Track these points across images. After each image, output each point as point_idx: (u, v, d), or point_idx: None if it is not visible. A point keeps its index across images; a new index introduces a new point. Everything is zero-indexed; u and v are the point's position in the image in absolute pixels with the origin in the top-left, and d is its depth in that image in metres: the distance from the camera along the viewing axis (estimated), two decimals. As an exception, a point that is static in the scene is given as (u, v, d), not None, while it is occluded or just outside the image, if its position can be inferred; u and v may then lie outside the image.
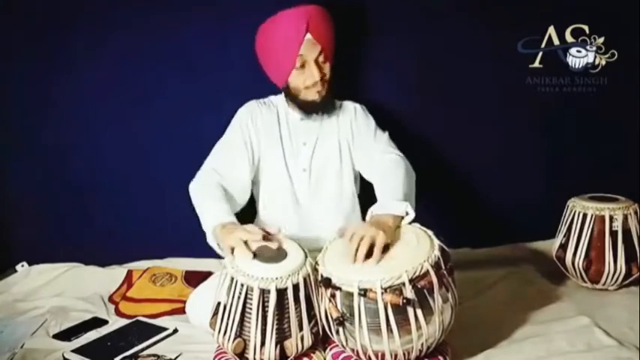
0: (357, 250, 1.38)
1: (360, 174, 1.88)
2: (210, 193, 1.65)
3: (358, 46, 2.03)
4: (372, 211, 1.52)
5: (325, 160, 1.84)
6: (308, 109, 1.80)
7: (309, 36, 1.70)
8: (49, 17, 2.05)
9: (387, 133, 1.84)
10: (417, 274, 1.32)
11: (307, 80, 1.74)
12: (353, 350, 1.42)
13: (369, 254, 1.38)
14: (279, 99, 1.87)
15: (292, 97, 1.80)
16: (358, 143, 1.84)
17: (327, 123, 1.86)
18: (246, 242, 1.44)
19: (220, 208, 1.59)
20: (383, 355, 1.37)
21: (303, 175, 1.84)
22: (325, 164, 1.84)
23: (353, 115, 1.86)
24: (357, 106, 1.89)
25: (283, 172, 1.83)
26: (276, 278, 1.37)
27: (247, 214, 1.81)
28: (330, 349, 1.51)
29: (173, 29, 2.06)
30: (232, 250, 1.45)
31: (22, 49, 2.08)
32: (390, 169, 1.68)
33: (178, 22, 2.06)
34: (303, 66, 1.73)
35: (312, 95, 1.77)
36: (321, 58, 1.74)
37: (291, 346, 1.42)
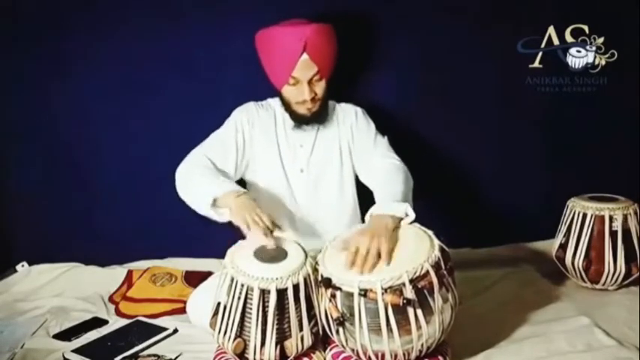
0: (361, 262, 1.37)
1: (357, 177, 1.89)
2: (207, 170, 1.68)
3: (358, 47, 2.03)
4: (372, 212, 1.52)
5: (324, 161, 1.85)
6: (298, 120, 1.81)
7: (305, 57, 1.69)
8: (50, 18, 2.05)
9: (386, 138, 1.85)
10: (417, 274, 1.32)
11: (298, 97, 1.76)
12: (353, 350, 1.42)
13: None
14: (277, 102, 1.87)
15: (285, 106, 1.82)
16: (358, 147, 1.84)
17: (327, 125, 1.86)
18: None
19: (225, 181, 1.63)
20: (383, 355, 1.37)
21: (301, 176, 1.84)
22: (324, 166, 1.85)
23: (354, 119, 1.86)
24: (359, 109, 1.89)
25: (280, 173, 1.83)
26: (277, 278, 1.37)
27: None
28: (330, 349, 1.51)
29: (173, 29, 2.07)
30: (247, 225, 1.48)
31: (22, 49, 2.08)
32: (389, 174, 1.69)
33: (178, 22, 2.06)
34: (296, 84, 1.74)
35: (302, 110, 1.79)
36: (316, 78, 1.74)
37: (291, 346, 1.42)
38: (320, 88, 1.76)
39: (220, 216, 1.59)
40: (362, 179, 1.85)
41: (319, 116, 1.81)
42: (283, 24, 1.75)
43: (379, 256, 1.37)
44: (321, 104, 1.79)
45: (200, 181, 1.65)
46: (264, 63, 1.82)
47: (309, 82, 1.73)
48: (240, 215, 1.51)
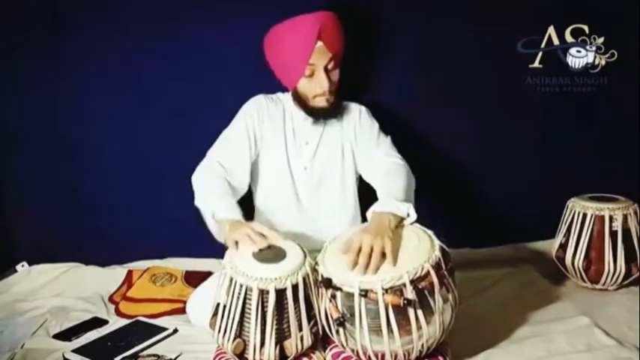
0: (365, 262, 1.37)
1: (360, 176, 1.88)
2: (217, 184, 1.67)
3: (360, 47, 2.02)
4: (374, 209, 1.52)
5: (327, 160, 1.85)
6: (317, 115, 1.81)
7: (320, 44, 1.70)
8: (51, 18, 2.05)
9: (389, 138, 1.85)
10: (417, 274, 1.32)
11: (316, 89, 1.75)
12: (353, 350, 1.41)
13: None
14: (287, 97, 1.87)
15: (301, 103, 1.81)
16: (361, 146, 1.84)
17: (331, 124, 1.86)
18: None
19: (229, 205, 1.60)
20: (383, 356, 1.37)
21: (304, 174, 1.84)
22: (327, 164, 1.85)
23: (357, 118, 1.86)
24: (362, 108, 1.89)
25: (285, 170, 1.83)
26: (275, 279, 1.37)
27: (247, 210, 1.80)
28: (330, 349, 1.50)
29: (173, 29, 2.06)
30: (236, 244, 1.46)
31: (23, 49, 2.08)
32: (391, 173, 1.69)
33: (178, 22, 2.06)
34: (312, 74, 1.73)
35: (321, 103, 1.78)
36: (330, 65, 1.74)
37: (291, 346, 1.41)
38: (335, 76, 1.77)
39: (217, 233, 1.60)
40: (365, 177, 1.85)
41: (336, 108, 1.81)
42: (291, 19, 1.75)
43: (384, 255, 1.37)
44: (336, 96, 1.79)
45: (207, 201, 1.64)
46: (275, 63, 1.81)
47: (326, 71, 1.73)
48: (230, 238, 1.49)
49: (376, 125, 1.86)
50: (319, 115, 1.80)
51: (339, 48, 1.78)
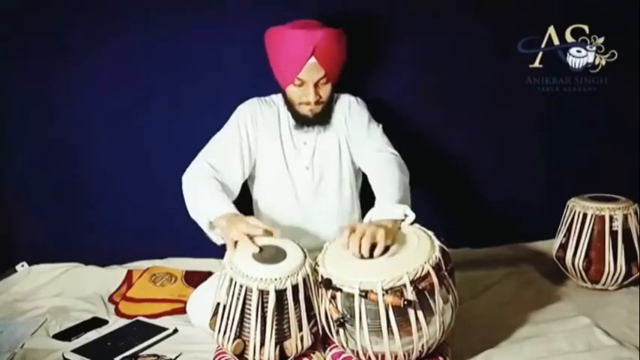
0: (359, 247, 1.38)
1: (360, 169, 1.88)
2: (207, 184, 1.65)
3: (359, 46, 2.03)
4: (371, 217, 1.51)
5: (326, 157, 1.85)
6: (300, 120, 1.81)
7: (313, 60, 1.69)
8: (50, 16, 2.05)
9: (380, 127, 1.84)
10: (418, 275, 1.32)
11: (302, 98, 1.76)
12: (353, 351, 1.41)
13: (370, 253, 1.38)
14: (281, 98, 1.87)
15: (287, 105, 1.82)
16: (353, 137, 1.84)
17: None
18: (249, 237, 1.45)
19: (220, 199, 1.59)
20: (383, 356, 1.37)
21: (306, 174, 1.84)
22: (327, 161, 1.85)
23: (347, 110, 1.86)
24: (352, 99, 1.88)
25: (283, 171, 1.83)
26: (275, 279, 1.37)
27: (247, 211, 1.81)
28: (330, 350, 1.50)
29: (173, 29, 2.06)
30: (235, 243, 1.45)
31: (22, 47, 2.08)
32: (384, 169, 1.67)
33: (178, 21, 2.06)
34: (302, 85, 1.74)
35: (305, 111, 1.78)
36: (322, 81, 1.74)
37: (291, 346, 1.41)
38: (325, 91, 1.76)
39: (217, 238, 1.60)
40: (362, 168, 1.84)
41: (321, 118, 1.81)
42: (294, 24, 1.74)
43: (386, 251, 1.37)
44: (324, 107, 1.79)
45: (198, 200, 1.64)
46: (271, 61, 1.81)
47: (315, 85, 1.73)
48: (227, 236, 1.48)
49: (366, 115, 1.85)
50: (301, 121, 1.80)
51: (335, 65, 1.76)
